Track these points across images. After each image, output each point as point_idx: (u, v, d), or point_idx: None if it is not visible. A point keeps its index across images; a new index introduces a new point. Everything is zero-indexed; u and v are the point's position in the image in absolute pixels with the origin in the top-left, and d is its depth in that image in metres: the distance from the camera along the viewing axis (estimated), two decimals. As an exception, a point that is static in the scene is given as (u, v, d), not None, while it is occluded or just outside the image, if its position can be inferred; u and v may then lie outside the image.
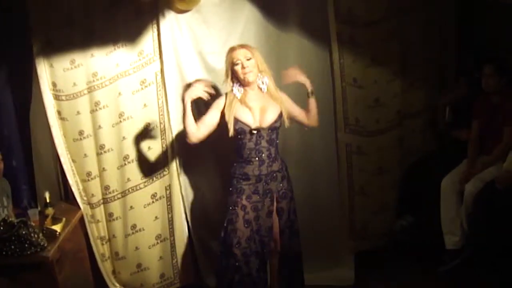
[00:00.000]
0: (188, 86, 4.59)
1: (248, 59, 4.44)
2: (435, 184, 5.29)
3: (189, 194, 5.32)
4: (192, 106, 4.53)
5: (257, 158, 4.47)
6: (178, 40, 5.07)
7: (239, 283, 4.45)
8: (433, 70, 5.60)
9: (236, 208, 4.47)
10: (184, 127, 4.51)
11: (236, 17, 5.12)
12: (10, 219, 4.38)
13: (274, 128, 4.50)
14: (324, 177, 5.39)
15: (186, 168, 5.27)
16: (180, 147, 5.15)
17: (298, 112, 4.68)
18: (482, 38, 5.58)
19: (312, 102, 4.65)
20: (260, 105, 4.49)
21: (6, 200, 4.75)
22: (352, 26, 5.16)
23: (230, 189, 4.55)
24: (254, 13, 5.12)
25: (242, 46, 4.54)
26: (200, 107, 4.91)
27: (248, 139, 4.45)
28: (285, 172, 4.65)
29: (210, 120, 4.54)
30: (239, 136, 4.46)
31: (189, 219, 5.32)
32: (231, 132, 4.43)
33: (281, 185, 4.58)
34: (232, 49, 4.52)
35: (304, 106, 4.72)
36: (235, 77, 4.50)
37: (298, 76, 4.63)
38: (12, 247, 4.22)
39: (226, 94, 4.58)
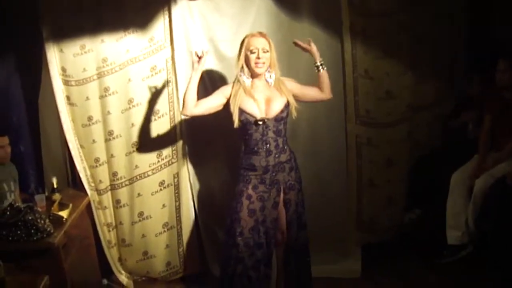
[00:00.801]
0: (198, 58, 4.49)
1: (265, 52, 4.36)
2: (444, 178, 5.26)
3: (197, 183, 5.30)
4: (198, 85, 4.47)
5: (264, 149, 4.41)
6: (190, 27, 5.03)
7: (241, 274, 4.41)
8: (444, 63, 5.58)
9: (242, 197, 4.42)
10: (184, 97, 4.41)
11: (248, 5, 5.07)
12: (17, 204, 4.35)
13: (280, 119, 4.43)
14: (332, 168, 5.35)
15: (195, 156, 5.24)
16: (189, 135, 5.13)
17: (311, 91, 4.60)
18: (496, 33, 5.54)
19: (323, 75, 4.56)
20: (265, 96, 4.42)
21: (14, 184, 4.74)
22: (365, 17, 5.12)
23: (238, 178, 4.50)
24: (266, 2, 5.07)
25: (262, 35, 4.43)
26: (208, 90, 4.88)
27: (254, 129, 4.39)
28: (294, 163, 4.58)
29: (212, 102, 4.46)
30: (245, 127, 4.41)
31: (196, 207, 5.30)
32: (236, 123, 4.37)
33: (289, 176, 4.52)
34: (252, 35, 4.42)
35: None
36: (245, 64, 4.42)
37: (311, 45, 4.56)
38: (19, 232, 4.20)
39: (233, 82, 4.51)
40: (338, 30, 5.14)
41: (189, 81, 4.40)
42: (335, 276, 5.27)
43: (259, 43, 4.36)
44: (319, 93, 4.59)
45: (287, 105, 4.46)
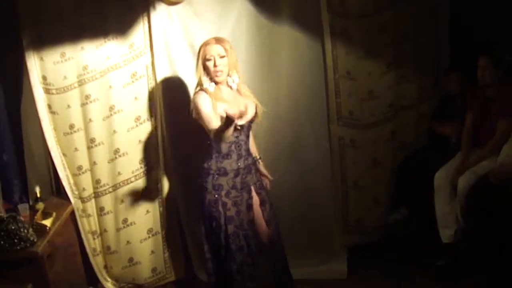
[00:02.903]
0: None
1: (221, 57, 4.31)
2: (429, 177, 5.26)
3: (181, 188, 5.28)
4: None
5: (236, 152, 4.40)
6: (169, 33, 5.03)
7: (230, 279, 4.41)
8: (427, 62, 5.57)
9: (217, 206, 4.38)
10: (215, 129, 4.16)
11: (228, 10, 5.07)
12: (0, 214, 4.34)
13: (251, 122, 4.45)
14: (317, 171, 5.33)
15: (178, 161, 5.23)
16: (172, 140, 5.13)
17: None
18: (477, 31, 5.55)
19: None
20: (238, 102, 4.35)
21: (-4, 195, 4.72)
22: (345, 18, 5.12)
23: (206, 186, 4.41)
24: (246, 5, 5.07)
25: (217, 41, 4.36)
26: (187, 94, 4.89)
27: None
28: (257, 165, 4.66)
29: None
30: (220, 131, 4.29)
31: (181, 212, 5.29)
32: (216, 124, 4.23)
33: (255, 177, 4.56)
34: (206, 43, 4.36)
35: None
36: (205, 72, 4.37)
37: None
38: (1, 242, 4.17)
39: (203, 91, 4.38)
40: (318, 32, 5.12)
41: (230, 129, 4.11)
42: (321, 277, 5.25)
43: (214, 50, 4.30)
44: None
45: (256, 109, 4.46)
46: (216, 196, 4.38)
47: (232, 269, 4.38)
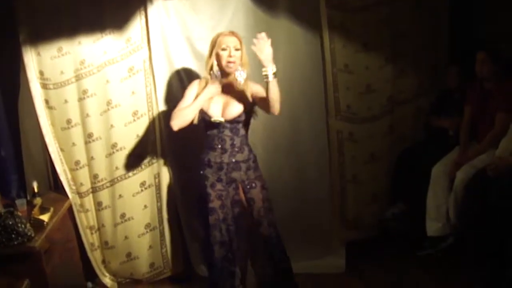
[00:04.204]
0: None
1: (236, 49, 4.35)
2: (426, 172, 5.25)
3: (178, 182, 5.26)
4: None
5: (219, 146, 4.44)
6: (166, 27, 5.02)
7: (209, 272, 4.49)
8: (425, 56, 5.56)
9: (203, 196, 4.46)
10: (183, 114, 4.33)
11: (225, 4, 5.07)
12: (-3, 209, 4.35)
13: (237, 122, 4.44)
14: (314, 165, 5.33)
15: (175, 155, 5.21)
16: (169, 135, 5.09)
17: (265, 103, 4.35)
18: (476, 25, 5.54)
19: (271, 87, 4.17)
20: (224, 99, 4.43)
21: (-6, 190, 4.72)
22: (343, 11, 5.12)
23: (199, 176, 4.53)
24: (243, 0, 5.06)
25: (233, 33, 4.42)
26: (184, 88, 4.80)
27: (211, 127, 4.43)
28: (252, 163, 4.57)
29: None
30: (204, 125, 4.45)
31: (179, 207, 5.27)
32: (196, 120, 4.39)
33: (246, 175, 4.52)
34: (222, 34, 4.40)
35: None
36: (216, 62, 4.41)
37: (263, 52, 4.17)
38: (-1, 237, 4.19)
39: (199, 81, 4.52)
40: (316, 25, 5.12)
41: (198, 100, 4.36)
42: (319, 271, 5.25)
43: (231, 41, 4.35)
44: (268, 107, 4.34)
45: (246, 110, 4.46)
46: (203, 186, 4.46)
47: (211, 262, 4.39)
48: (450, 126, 5.49)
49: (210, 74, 4.43)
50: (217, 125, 4.40)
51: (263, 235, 4.53)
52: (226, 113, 4.41)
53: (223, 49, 4.34)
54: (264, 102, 4.32)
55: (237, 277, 4.42)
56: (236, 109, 4.42)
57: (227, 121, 4.40)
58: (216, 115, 4.39)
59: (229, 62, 4.35)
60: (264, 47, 4.14)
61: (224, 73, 4.42)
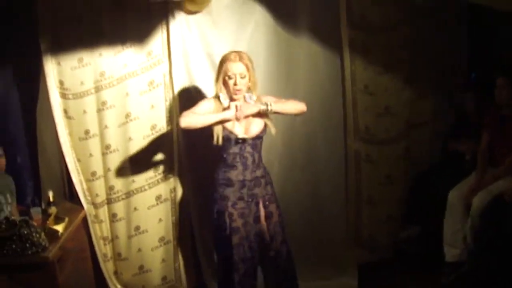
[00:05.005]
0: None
1: (242, 77, 4.38)
2: (442, 195, 5.23)
3: (194, 197, 5.26)
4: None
5: (241, 163, 4.46)
6: (188, 42, 5.03)
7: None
8: (444, 79, 5.55)
9: (224, 216, 4.46)
10: (196, 122, 4.34)
11: (246, 20, 5.08)
12: (13, 217, 4.35)
13: (258, 138, 4.50)
14: (330, 183, 5.33)
15: (192, 171, 5.21)
16: (187, 149, 5.12)
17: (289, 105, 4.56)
18: (495, 48, 5.53)
19: (278, 109, 4.45)
20: (246, 118, 4.45)
21: (10, 197, 4.70)
22: (365, 32, 5.14)
23: (215, 195, 4.53)
24: (264, 16, 5.08)
25: (240, 57, 4.40)
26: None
27: (233, 144, 4.44)
28: (269, 178, 4.66)
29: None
30: (225, 143, 4.44)
31: (193, 221, 5.27)
32: (220, 140, 4.41)
33: (265, 190, 4.57)
34: (228, 59, 4.40)
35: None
36: (223, 86, 4.46)
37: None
38: (13, 246, 4.18)
39: (213, 99, 4.53)
40: (337, 45, 5.14)
41: (214, 116, 4.38)
42: (331, 291, 5.24)
43: (237, 69, 4.38)
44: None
45: (265, 125, 4.51)
46: (223, 206, 4.46)
47: (234, 280, 4.42)
48: (467, 151, 5.46)
49: (219, 99, 4.47)
50: (240, 143, 4.42)
51: (275, 250, 4.59)
52: (250, 131, 4.45)
53: (230, 77, 4.38)
54: (288, 110, 4.55)
55: None
56: (258, 126, 4.48)
57: (249, 139, 4.44)
58: (240, 133, 4.42)
59: (234, 90, 4.40)
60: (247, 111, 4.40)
61: (232, 98, 4.46)
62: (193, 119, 4.35)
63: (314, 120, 5.19)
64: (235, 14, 5.06)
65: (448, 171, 5.48)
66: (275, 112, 4.47)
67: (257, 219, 4.55)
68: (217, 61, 4.94)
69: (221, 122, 4.39)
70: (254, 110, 4.41)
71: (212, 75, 5.03)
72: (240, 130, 4.44)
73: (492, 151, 5.19)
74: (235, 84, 4.37)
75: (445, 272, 5.20)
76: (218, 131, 4.40)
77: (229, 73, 4.37)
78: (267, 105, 4.40)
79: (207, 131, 4.45)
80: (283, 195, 5.09)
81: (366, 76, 5.20)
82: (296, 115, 4.65)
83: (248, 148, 4.46)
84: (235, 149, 4.44)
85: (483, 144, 5.21)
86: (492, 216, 4.81)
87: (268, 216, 4.57)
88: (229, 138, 4.42)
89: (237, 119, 4.38)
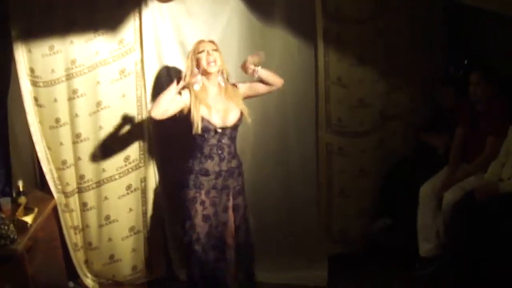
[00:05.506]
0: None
1: (214, 50, 4.44)
2: (414, 188, 5.24)
3: (165, 187, 5.23)
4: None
5: (218, 154, 4.49)
6: (160, 30, 4.98)
7: (203, 276, 4.53)
8: (418, 71, 5.52)
9: (195, 203, 4.50)
10: (159, 101, 4.35)
11: (221, 9, 5.03)
12: (-20, 209, 4.33)
13: (236, 127, 4.53)
14: (301, 177, 5.30)
15: (163, 160, 5.18)
16: (157, 139, 5.09)
17: (261, 85, 4.63)
18: (470, 42, 5.52)
19: (263, 74, 4.53)
20: (223, 106, 4.49)
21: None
22: (339, 24, 5.08)
23: (188, 182, 4.53)
24: (239, 6, 5.02)
25: (209, 40, 4.54)
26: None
27: (212, 136, 4.45)
28: (241, 169, 4.69)
29: (176, 107, 4.45)
30: (204, 133, 4.44)
31: (163, 211, 5.25)
32: (199, 129, 4.40)
33: (236, 181, 4.63)
34: (198, 41, 4.51)
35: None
36: (196, 67, 4.46)
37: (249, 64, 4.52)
38: (-19, 239, 4.16)
39: (189, 90, 4.50)
40: (311, 36, 5.08)
41: (170, 88, 4.39)
42: (301, 283, 5.24)
43: (207, 45, 4.47)
44: (267, 88, 4.65)
45: (241, 114, 4.53)
46: (196, 194, 4.49)
47: (203, 267, 4.50)
48: (439, 145, 5.47)
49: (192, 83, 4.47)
50: (218, 133, 4.44)
51: (239, 240, 4.66)
52: (227, 120, 4.47)
53: (201, 51, 4.42)
54: (263, 88, 4.62)
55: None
56: (234, 115, 4.51)
57: (227, 128, 4.46)
58: (219, 123, 4.44)
59: (208, 62, 4.41)
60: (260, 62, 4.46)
61: (207, 75, 4.48)
62: (156, 103, 4.36)
63: (287, 111, 5.17)
64: (209, 4, 5.01)
65: (420, 164, 5.49)
66: (260, 78, 4.53)
67: (226, 209, 4.57)
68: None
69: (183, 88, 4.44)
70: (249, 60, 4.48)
71: (184, 63, 4.99)
72: (217, 119, 4.44)
73: (465, 147, 5.20)
74: (208, 54, 4.41)
75: (419, 266, 5.23)
76: (197, 119, 4.38)
77: (200, 49, 4.43)
78: (254, 66, 4.49)
79: (180, 121, 4.46)
80: (255, 185, 5.11)
81: (340, 67, 5.15)
82: (275, 86, 4.62)
83: (225, 139, 4.49)
84: (213, 140, 4.47)
85: (456, 139, 5.23)
86: (463, 212, 4.82)
87: (235, 209, 4.62)
88: (208, 129, 4.42)
89: (192, 83, 4.44)
